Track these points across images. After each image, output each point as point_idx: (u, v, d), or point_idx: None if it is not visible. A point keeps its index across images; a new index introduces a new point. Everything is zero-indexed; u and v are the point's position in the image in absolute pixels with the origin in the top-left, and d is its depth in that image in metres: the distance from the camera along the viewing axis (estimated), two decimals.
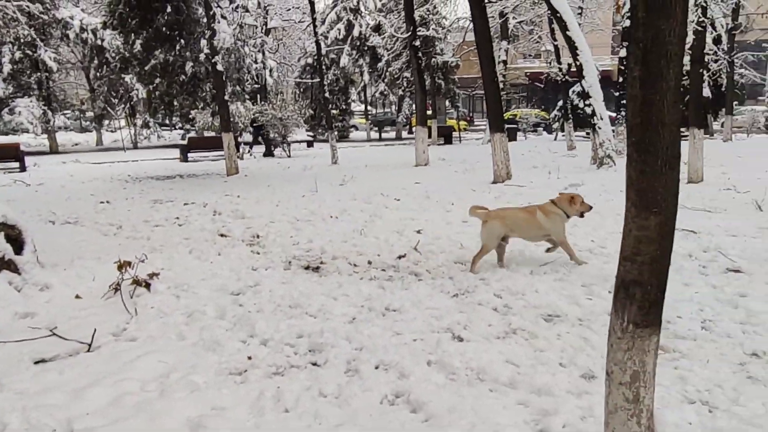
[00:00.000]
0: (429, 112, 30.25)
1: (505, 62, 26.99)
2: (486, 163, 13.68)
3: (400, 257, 6.53)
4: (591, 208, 6.03)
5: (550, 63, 24.53)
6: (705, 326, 4.29)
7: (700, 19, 10.61)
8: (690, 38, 12.49)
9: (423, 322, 4.53)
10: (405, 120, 35.58)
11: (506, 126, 25.95)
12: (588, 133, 18.15)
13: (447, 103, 36.40)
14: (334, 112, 33.81)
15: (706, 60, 21.48)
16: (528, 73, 41.05)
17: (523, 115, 34.57)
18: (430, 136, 26.07)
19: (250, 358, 3.93)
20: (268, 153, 24.22)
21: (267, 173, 16.43)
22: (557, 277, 5.55)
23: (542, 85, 31.85)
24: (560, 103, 26.10)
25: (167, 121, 32.63)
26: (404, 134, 36.73)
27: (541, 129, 34.56)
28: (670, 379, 3.49)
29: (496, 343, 4.11)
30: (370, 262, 6.37)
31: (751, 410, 3.10)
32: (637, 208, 1.98)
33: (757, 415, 3.06)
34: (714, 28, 20.94)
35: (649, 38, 1.83)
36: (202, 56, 15.28)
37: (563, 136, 25.76)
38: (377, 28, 31.90)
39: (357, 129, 40.97)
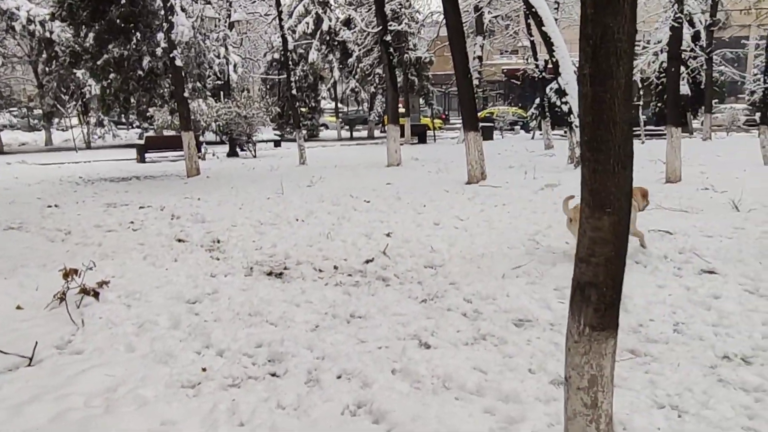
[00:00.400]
0: (402, 110, 30.38)
1: (480, 58, 27.23)
2: (461, 163, 13.79)
3: (367, 261, 6.55)
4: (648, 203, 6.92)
5: (527, 59, 24.86)
6: (677, 329, 4.39)
7: (677, 15, 10.85)
8: (666, 34, 12.80)
9: (389, 328, 4.56)
10: (377, 118, 35.63)
11: (483, 124, 26.12)
12: (565, 132, 18.46)
13: (421, 100, 36.57)
14: (302, 110, 33.75)
15: (684, 57, 22.01)
16: (505, 70, 41.51)
17: (500, 113, 34.87)
18: (403, 135, 26.16)
19: (204, 369, 3.90)
20: (232, 153, 24.03)
21: (230, 174, 16.30)
22: (529, 280, 5.63)
23: (519, 82, 32.19)
24: (537, 100, 26.45)
25: (123, 119, 32.10)
26: (377, 133, 36.80)
27: (519, 127, 34.94)
28: (640, 383, 3.57)
29: (464, 349, 4.15)
30: (336, 267, 6.39)
31: (720, 413, 3.18)
32: (591, 209, 2.04)
33: (725, 418, 3.15)
34: (692, 24, 21.47)
35: (598, 35, 1.88)
36: (159, 50, 15.08)
37: (541, 134, 26.11)
38: (347, 22, 31.92)
39: (327, 128, 40.89)
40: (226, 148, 24.43)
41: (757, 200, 9.34)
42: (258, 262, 6.69)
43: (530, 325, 4.56)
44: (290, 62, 22.79)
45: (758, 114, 16.85)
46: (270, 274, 6.24)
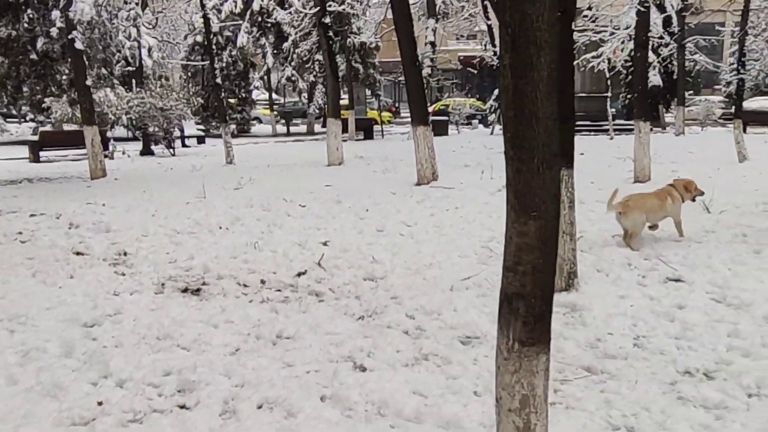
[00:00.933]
0: (345, 102, 30.39)
1: (433, 44, 27.58)
2: (411, 162, 13.91)
3: (299, 274, 6.57)
4: (703, 193, 7.88)
5: (484, 45, 25.32)
6: (638, 343, 4.55)
7: None
8: (633, 19, 13.25)
9: (320, 350, 4.58)
10: (317, 111, 35.54)
11: (436, 118, 26.31)
12: None
13: (367, 91, 36.70)
14: (230, 101, 33.35)
15: (655, 44, 22.81)
16: (461, 57, 42.07)
17: (456, 106, 35.30)
18: (346, 130, 26.19)
19: (100, 403, 3.82)
20: (147, 151, 23.56)
21: (143, 176, 15.98)
22: (480, 292, 5.73)
23: (476, 71, 32.73)
24: (497, 91, 26.94)
25: (13, 111, 31.02)
26: (317, 128, 36.69)
27: (476, 121, 35.43)
28: (595, 403, 3.68)
29: (403, 371, 4.20)
30: (263, 282, 6.39)
31: None
32: (516, 212, 2.10)
33: None
34: (662, 8, 22.27)
35: (517, 23, 1.95)
36: (55, 30, 14.66)
37: (501, 129, 26.58)
38: (282, 2, 31.76)
39: (260, 122, 40.55)
40: (139, 145, 23.92)
41: (729, 201, 9.75)
42: (171, 277, 6.59)
43: (478, 342, 4.64)
44: (215, 47, 22.52)
45: (734, 107, 17.59)
46: (185, 290, 6.17)
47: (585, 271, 6.18)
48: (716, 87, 42.39)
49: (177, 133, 24.45)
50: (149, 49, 26.16)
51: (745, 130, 19.01)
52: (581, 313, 5.17)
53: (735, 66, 19.06)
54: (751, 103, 33.44)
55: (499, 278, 5.75)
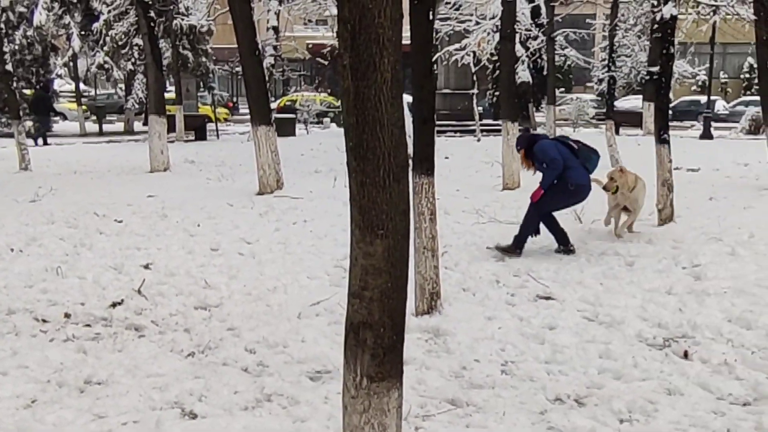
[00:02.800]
0: (172, 96, 29.67)
1: (276, 29, 27.62)
2: (252, 167, 13.83)
3: (114, 305, 6.39)
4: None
5: (336, 32, 25.57)
6: (506, 369, 4.80)
7: None
8: (499, 9, 13.97)
9: (140, 396, 4.47)
10: (137, 106, 34.42)
11: (281, 116, 26.25)
12: None
13: (198, 83, 36.04)
14: (26, 92, 31.57)
15: (523, 37, 24.13)
16: (310, 45, 42.36)
17: (305, 101, 35.47)
18: (173, 130, 25.56)
19: None
20: None
21: None
22: (331, 319, 5.81)
23: (328, 62, 33.07)
24: None
25: None
26: (137, 126, 35.52)
27: (329, 120, 35.79)
28: None
29: (241, 416, 4.18)
30: (68, 315, 6.14)
31: None
32: (362, 231, 2.17)
33: None
34: None
35: (356, 19, 2.03)
36: None
37: None
38: None
39: (66, 118, 38.75)
40: None
41: (602, 209, 10.45)
42: None
43: (330, 377, 4.70)
44: (4, 25, 21.24)
45: (606, 107, 18.96)
46: None
47: (450, 291, 6.42)
48: (588, 84, 45.52)
49: None
50: None
51: (617, 132, 20.57)
52: (445, 339, 5.36)
53: (606, 62, 20.56)
54: (623, 103, 36.23)
55: None
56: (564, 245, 8.02)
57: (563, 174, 7.81)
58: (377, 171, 2.09)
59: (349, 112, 2.11)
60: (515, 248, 7.86)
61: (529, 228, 7.91)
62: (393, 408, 2.37)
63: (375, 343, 2.24)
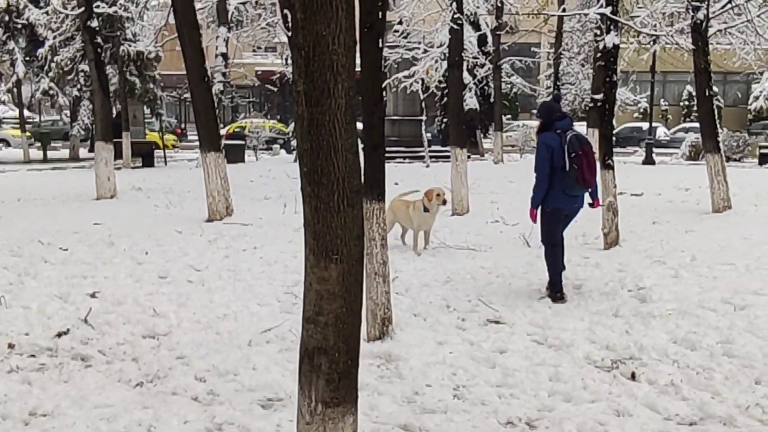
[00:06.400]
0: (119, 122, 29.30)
1: (225, 56, 27.51)
2: (201, 194, 13.72)
3: (60, 335, 6.25)
4: (445, 202, 9.62)
5: (285, 60, 25.69)
6: (458, 393, 4.82)
7: (455, 15, 12.08)
8: (446, 37, 14.17)
9: (87, 427, 4.40)
10: (83, 132, 33.93)
11: (230, 142, 26.10)
12: None
13: (146, 109, 35.68)
14: None
15: (470, 65, 24.51)
16: (259, 72, 42.36)
17: (254, 128, 35.37)
18: (120, 156, 25.25)
19: None
20: None
21: None
22: (282, 346, 5.79)
23: (276, 89, 33.08)
24: None
25: None
26: (83, 153, 34.99)
27: (278, 146, 35.71)
28: None
29: None
30: (11, 346, 5.98)
31: None
32: (316, 256, 2.18)
33: None
34: (477, 26, 24.09)
35: (310, 45, 2.05)
36: None
37: None
38: None
39: (9, 145, 38.08)
40: None
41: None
42: None
43: (282, 405, 4.67)
44: None
45: None
46: None
47: (401, 316, 6.43)
48: (534, 111, 46.26)
49: None
50: None
51: None
52: (397, 364, 5.37)
53: (551, 90, 21.00)
54: None
55: None
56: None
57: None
58: (331, 196, 2.10)
59: (304, 138, 2.12)
60: (555, 293, 7.14)
61: (554, 266, 7.28)
62: None
63: (330, 368, 2.23)
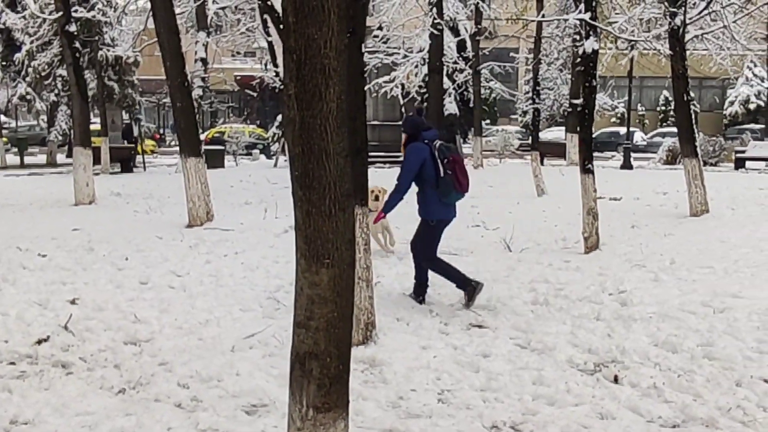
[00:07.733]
0: (97, 127, 29.08)
1: (204, 61, 27.48)
2: (180, 199, 13.66)
3: (40, 342, 6.16)
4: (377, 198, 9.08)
5: (264, 65, 25.62)
6: (442, 398, 4.82)
7: (435, 20, 12.13)
8: (426, 42, 14.22)
9: None
10: (61, 138, 33.67)
11: (210, 147, 26.00)
12: None
13: (124, 114, 35.48)
14: None
15: (450, 70, 24.60)
16: (238, 77, 42.25)
17: (234, 133, 35.26)
18: (98, 162, 25.07)
19: None
20: None
21: None
22: (266, 351, 5.76)
23: (256, 93, 33.00)
24: (280, 117, 27.35)
25: None
26: (61, 158, 34.71)
27: (258, 151, 35.64)
28: None
29: None
30: None
31: None
32: (307, 260, 2.17)
33: None
34: (457, 32, 24.18)
35: (302, 49, 2.04)
36: None
37: (285, 160, 26.95)
38: (13, 3, 29.93)
39: None
40: None
41: (530, 238, 10.70)
42: None
43: (266, 411, 4.64)
44: None
45: (531, 138, 19.44)
46: None
47: (384, 321, 6.41)
48: (513, 116, 46.58)
49: None
50: None
51: (542, 162, 21.08)
52: (381, 369, 5.36)
53: (530, 95, 21.13)
54: (547, 134, 37.17)
55: (289, 334, 5.80)
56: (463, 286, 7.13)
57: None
58: (323, 200, 2.10)
59: (295, 141, 2.12)
60: (418, 297, 7.29)
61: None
62: None
63: (321, 373, 2.23)
